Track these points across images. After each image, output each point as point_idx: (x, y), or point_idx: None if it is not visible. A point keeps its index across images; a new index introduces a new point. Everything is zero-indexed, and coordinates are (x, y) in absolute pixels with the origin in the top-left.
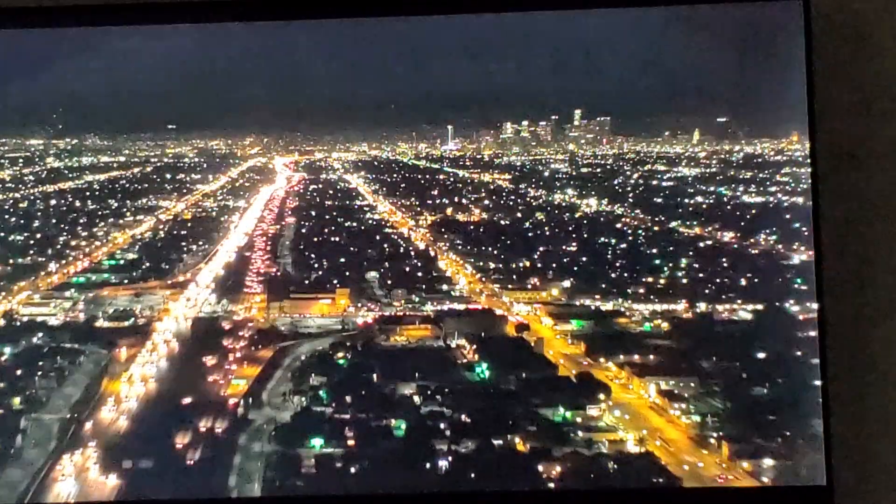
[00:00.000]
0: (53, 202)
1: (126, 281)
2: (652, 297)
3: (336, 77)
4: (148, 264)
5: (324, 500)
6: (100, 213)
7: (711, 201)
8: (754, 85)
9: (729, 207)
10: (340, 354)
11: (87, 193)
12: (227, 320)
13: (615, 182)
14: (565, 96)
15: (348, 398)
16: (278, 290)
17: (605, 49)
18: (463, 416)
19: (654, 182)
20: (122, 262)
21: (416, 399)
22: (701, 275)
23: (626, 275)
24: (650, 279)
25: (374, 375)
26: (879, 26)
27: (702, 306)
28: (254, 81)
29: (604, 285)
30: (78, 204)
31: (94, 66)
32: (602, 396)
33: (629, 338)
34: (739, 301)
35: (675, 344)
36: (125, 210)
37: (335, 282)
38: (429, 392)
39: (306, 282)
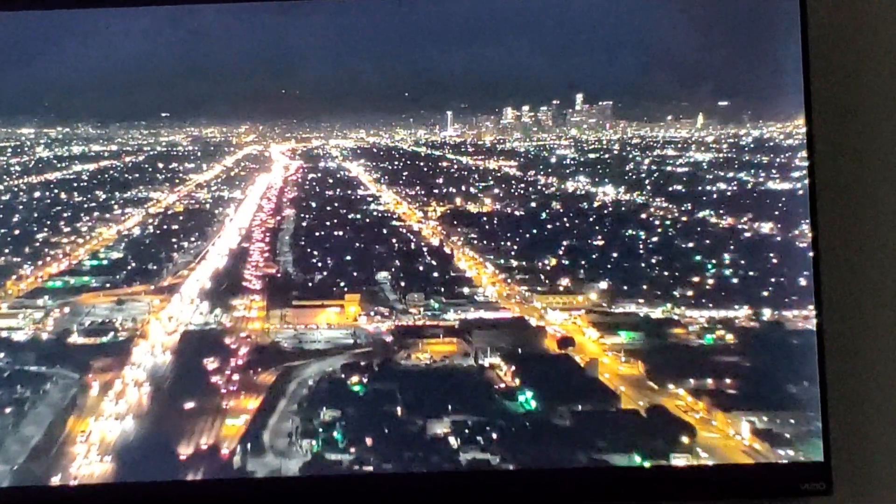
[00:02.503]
0: (38, 194)
1: (108, 285)
2: (704, 300)
3: (331, 62)
4: (134, 265)
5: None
6: (85, 205)
7: (735, 188)
8: (754, 67)
9: (755, 195)
10: (355, 379)
11: (75, 185)
12: (220, 335)
13: (627, 168)
14: (566, 81)
15: (368, 440)
16: (279, 297)
17: (605, 32)
18: (513, 468)
19: (668, 168)
20: (105, 261)
21: (453, 441)
22: (751, 273)
23: (666, 273)
24: (696, 279)
25: (398, 408)
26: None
27: (766, 313)
28: (248, 67)
29: (645, 286)
30: (63, 196)
31: (87, 52)
32: (685, 440)
33: (693, 354)
34: (810, 306)
35: (749, 362)
36: (113, 202)
37: (342, 284)
38: (466, 431)
39: (310, 284)
